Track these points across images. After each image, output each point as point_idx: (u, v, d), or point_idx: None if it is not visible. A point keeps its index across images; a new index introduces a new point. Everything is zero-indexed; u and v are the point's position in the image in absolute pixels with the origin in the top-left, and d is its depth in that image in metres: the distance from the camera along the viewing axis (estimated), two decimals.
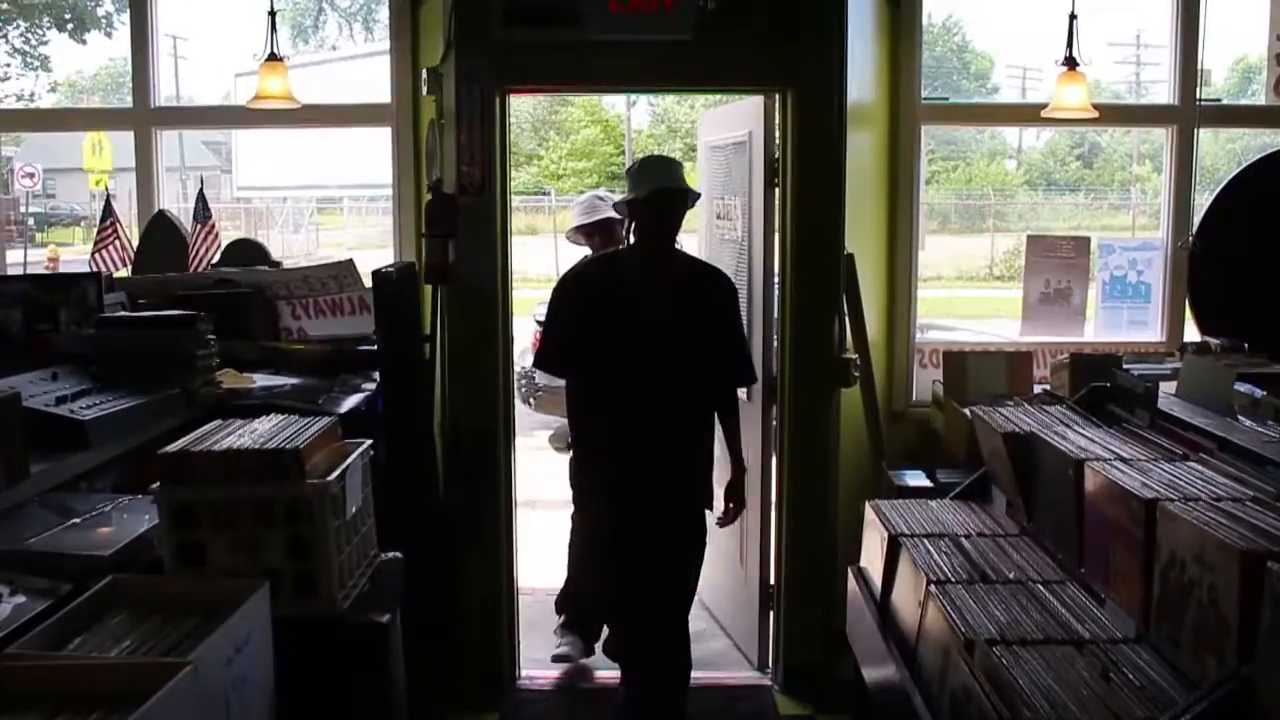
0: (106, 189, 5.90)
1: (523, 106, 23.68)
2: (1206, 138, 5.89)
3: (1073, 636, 2.53)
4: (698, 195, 3.99)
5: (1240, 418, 3.12)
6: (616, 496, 3.93)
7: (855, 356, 4.65)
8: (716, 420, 4.08)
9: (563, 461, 4.19)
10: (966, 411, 4.04)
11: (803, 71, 4.40)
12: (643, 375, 3.84)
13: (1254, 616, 2.01)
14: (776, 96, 4.52)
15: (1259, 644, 1.99)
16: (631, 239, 3.98)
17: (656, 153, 4.15)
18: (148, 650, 2.06)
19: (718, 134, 5.25)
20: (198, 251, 5.04)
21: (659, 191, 3.82)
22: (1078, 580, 2.83)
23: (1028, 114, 5.62)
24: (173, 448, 2.46)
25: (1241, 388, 3.47)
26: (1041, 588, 2.83)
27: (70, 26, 10.40)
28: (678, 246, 4.05)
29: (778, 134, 4.56)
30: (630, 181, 3.95)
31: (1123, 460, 2.80)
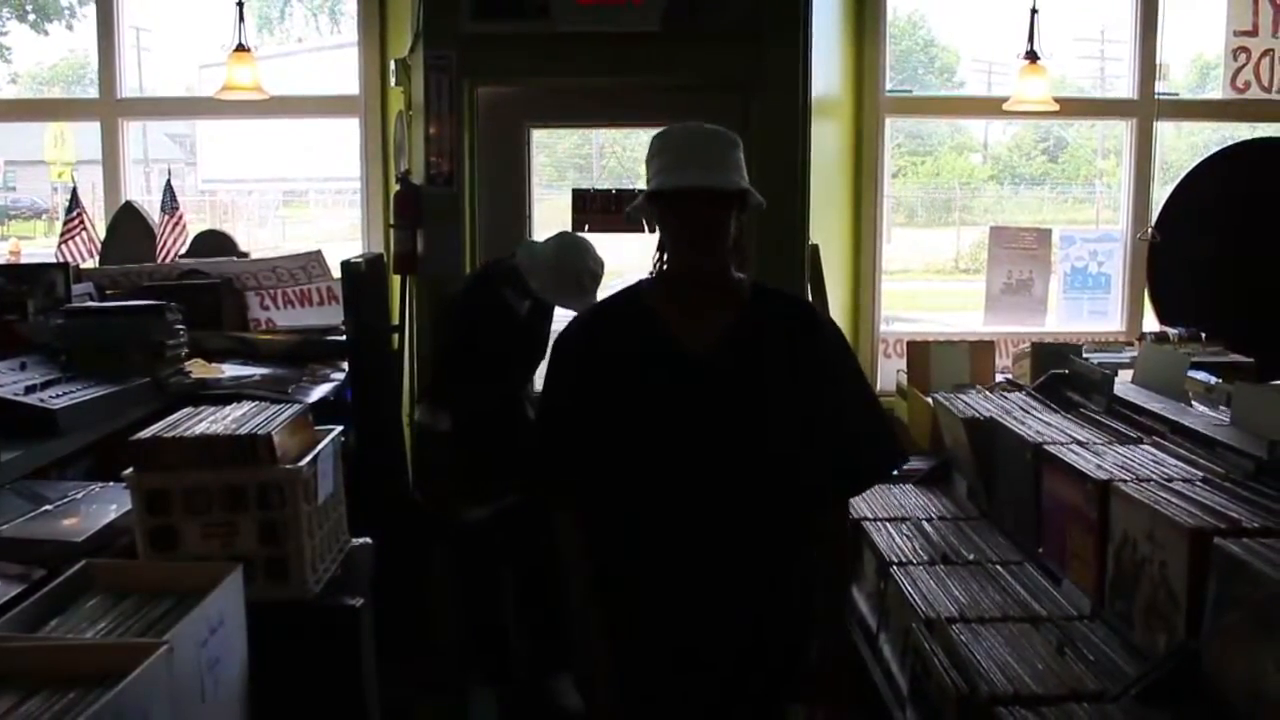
0: (72, 181, 5.89)
1: None
2: (1169, 132, 6.01)
3: (1030, 614, 2.61)
4: (758, 202, 2.34)
5: (1194, 403, 3.21)
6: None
7: None
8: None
9: None
10: (929, 400, 4.12)
11: (768, 64, 4.45)
12: (693, 499, 2.27)
13: (1201, 592, 2.09)
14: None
15: (1205, 618, 2.08)
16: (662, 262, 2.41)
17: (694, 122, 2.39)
18: (123, 632, 2.08)
19: None
20: (165, 243, 5.05)
21: (684, 192, 2.27)
22: (1035, 561, 2.91)
23: (990, 107, 5.72)
24: (145, 434, 2.48)
25: (1197, 375, 3.57)
26: (1000, 568, 2.91)
27: (32, 18, 10.31)
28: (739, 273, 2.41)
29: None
30: (650, 165, 2.38)
31: (1079, 444, 2.88)
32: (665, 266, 2.38)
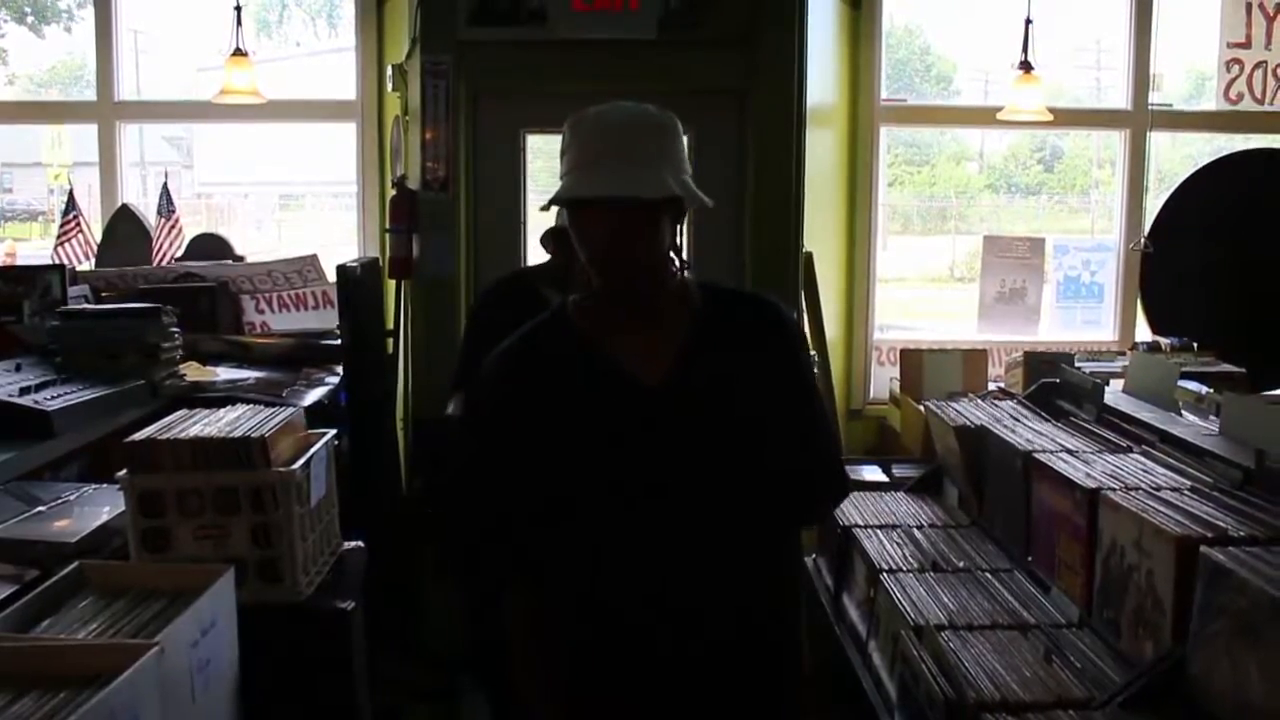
0: (69, 183, 5.91)
1: None
2: (1165, 143, 6.05)
3: (1018, 622, 2.63)
4: (698, 200, 1.95)
5: (1184, 413, 3.23)
6: None
7: (813, 354, 4.73)
8: None
9: None
10: (921, 407, 4.14)
11: (763, 71, 4.47)
12: (659, 545, 1.95)
13: (1188, 600, 2.10)
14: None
15: (1191, 626, 2.09)
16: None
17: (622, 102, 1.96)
18: (115, 633, 2.09)
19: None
20: (161, 245, 5.07)
21: (591, 201, 1.89)
22: (1025, 569, 2.92)
23: (985, 117, 5.75)
24: (139, 435, 2.49)
25: (1187, 384, 3.59)
26: (990, 576, 2.93)
27: (30, 20, 10.33)
28: (685, 274, 2.07)
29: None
30: (561, 159, 1.97)
31: (1069, 452, 2.89)
32: (594, 282, 1.97)
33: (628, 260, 1.90)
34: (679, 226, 1.99)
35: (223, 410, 2.71)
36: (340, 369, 4.25)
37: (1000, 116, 5.34)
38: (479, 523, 2.07)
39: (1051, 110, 5.32)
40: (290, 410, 2.76)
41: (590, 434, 1.94)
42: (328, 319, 4.72)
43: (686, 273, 2.06)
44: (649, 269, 1.93)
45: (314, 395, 3.87)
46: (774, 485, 1.98)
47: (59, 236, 5.20)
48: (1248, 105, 5.55)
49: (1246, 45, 5.54)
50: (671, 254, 2.00)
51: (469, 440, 2.08)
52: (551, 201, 1.95)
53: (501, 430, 2.00)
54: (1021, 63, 5.19)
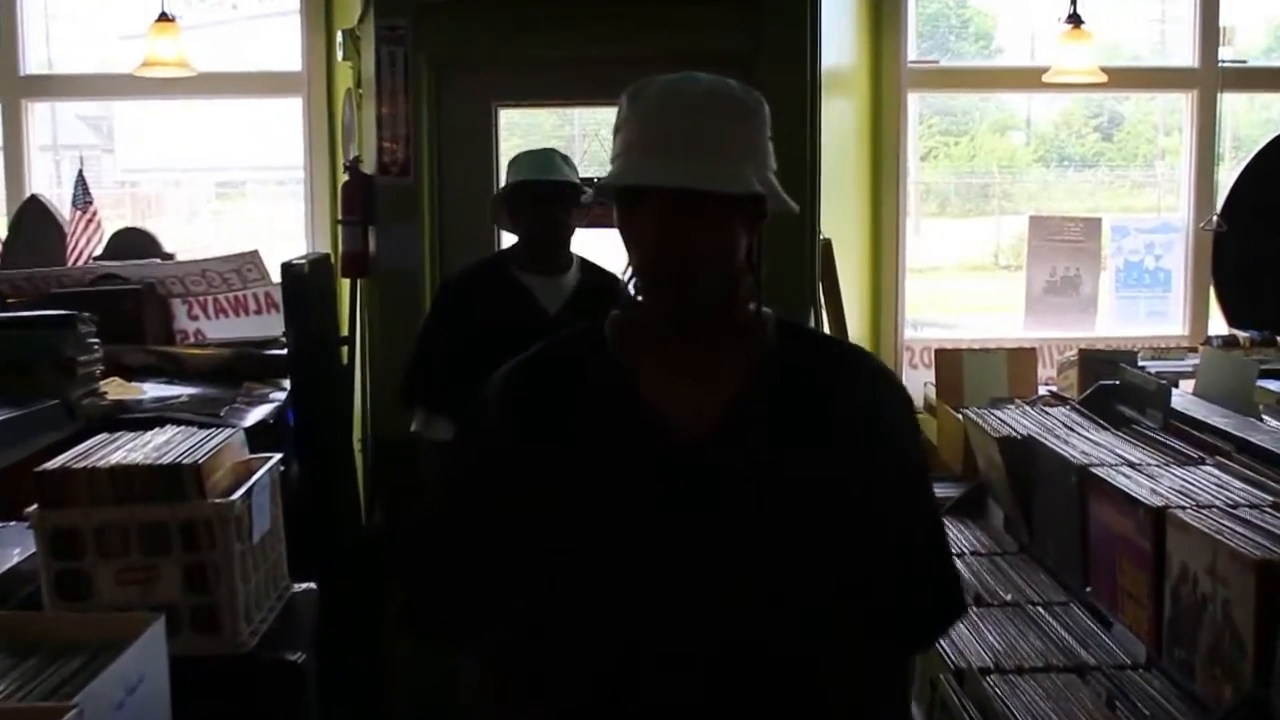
0: None
1: None
2: (1241, 105, 6.05)
3: (1076, 663, 2.63)
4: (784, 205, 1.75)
5: (1265, 417, 3.23)
6: None
7: None
8: None
9: None
10: (960, 416, 4.14)
11: (770, 31, 4.48)
12: (681, 658, 1.65)
13: (1271, 634, 2.10)
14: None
15: (1275, 664, 2.09)
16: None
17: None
18: (26, 694, 2.08)
19: None
20: (77, 242, 5.06)
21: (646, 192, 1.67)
22: (1082, 602, 2.92)
23: (1028, 79, 5.75)
24: (52, 465, 2.49)
25: (1268, 384, 3.59)
26: (1042, 610, 2.93)
27: None
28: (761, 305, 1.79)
29: None
30: (615, 137, 1.80)
31: (1130, 465, 2.89)
32: (640, 297, 1.74)
33: (686, 258, 1.65)
34: (757, 238, 1.74)
35: (150, 433, 2.71)
36: (286, 383, 4.25)
37: (1046, 79, 5.35)
38: (444, 585, 1.84)
39: (1106, 70, 5.32)
40: (228, 432, 2.77)
41: (602, 498, 1.70)
42: (271, 325, 4.71)
43: (765, 308, 1.78)
44: (713, 275, 1.69)
45: (256, 414, 3.87)
46: (859, 599, 1.69)
47: None
48: None
49: None
50: (745, 272, 1.74)
51: (449, 471, 1.91)
52: (597, 189, 1.74)
53: (492, 468, 1.78)
54: (1070, 15, 5.20)
